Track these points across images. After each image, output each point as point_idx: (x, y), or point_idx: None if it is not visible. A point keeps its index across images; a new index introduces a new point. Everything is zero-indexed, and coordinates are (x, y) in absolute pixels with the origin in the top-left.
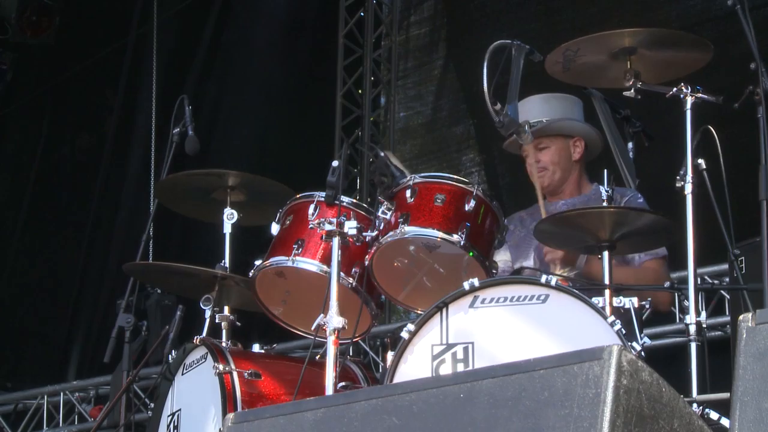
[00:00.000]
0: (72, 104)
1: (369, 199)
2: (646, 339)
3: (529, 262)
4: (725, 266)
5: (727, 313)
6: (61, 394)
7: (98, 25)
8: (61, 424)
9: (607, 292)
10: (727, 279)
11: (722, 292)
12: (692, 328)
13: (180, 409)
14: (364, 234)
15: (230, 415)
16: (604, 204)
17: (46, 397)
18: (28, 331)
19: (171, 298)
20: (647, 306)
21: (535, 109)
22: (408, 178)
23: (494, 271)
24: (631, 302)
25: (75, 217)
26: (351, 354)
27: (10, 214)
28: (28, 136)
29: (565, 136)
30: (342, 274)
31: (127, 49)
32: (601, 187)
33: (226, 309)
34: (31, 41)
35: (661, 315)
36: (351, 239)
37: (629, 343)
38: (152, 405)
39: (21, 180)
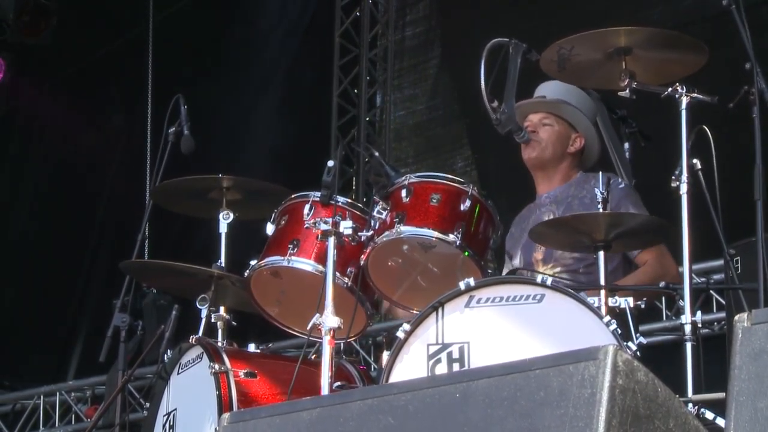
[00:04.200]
0: (73, 103)
1: (364, 199)
2: (641, 339)
3: (516, 261)
4: (715, 263)
5: (715, 310)
6: (58, 394)
7: (97, 24)
8: (57, 424)
9: (602, 291)
10: (717, 276)
11: (711, 291)
12: (687, 328)
13: (175, 409)
14: (359, 234)
15: (226, 415)
16: (599, 204)
17: (42, 397)
18: (28, 331)
19: (167, 297)
20: (643, 306)
21: (557, 88)
22: (403, 177)
23: (489, 271)
24: (626, 302)
25: (79, 217)
26: (342, 353)
27: (12, 215)
28: (29, 135)
29: (570, 125)
30: (337, 273)
31: (132, 47)
32: (596, 190)
33: (222, 309)
34: (29, 41)
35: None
36: (346, 239)
37: (625, 343)
38: (147, 405)
39: (23, 180)
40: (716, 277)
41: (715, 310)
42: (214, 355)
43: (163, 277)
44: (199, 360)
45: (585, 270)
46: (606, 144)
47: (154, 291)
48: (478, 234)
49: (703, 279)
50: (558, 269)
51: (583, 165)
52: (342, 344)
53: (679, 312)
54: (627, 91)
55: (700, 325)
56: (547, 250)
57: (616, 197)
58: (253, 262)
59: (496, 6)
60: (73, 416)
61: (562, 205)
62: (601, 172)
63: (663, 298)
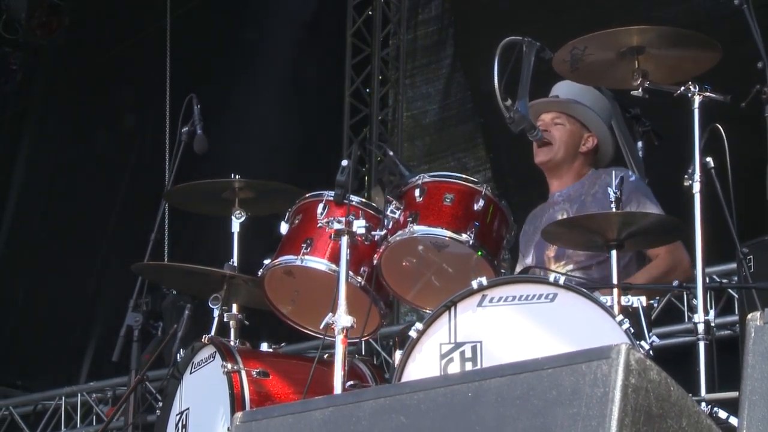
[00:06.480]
0: (87, 103)
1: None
2: (654, 338)
3: (529, 259)
4: (734, 265)
5: (736, 311)
6: (79, 395)
7: (108, 24)
8: (78, 425)
9: (615, 290)
10: (736, 277)
11: (731, 291)
12: (701, 327)
13: (188, 408)
14: (372, 233)
15: (238, 414)
16: (612, 204)
17: (63, 398)
18: (40, 331)
19: (186, 298)
20: (656, 304)
21: (571, 88)
22: (417, 177)
23: (503, 272)
24: (639, 301)
25: (92, 217)
26: (363, 354)
27: (25, 215)
28: (43, 135)
29: (583, 125)
30: (351, 273)
31: (144, 46)
32: (609, 189)
33: (235, 308)
34: (41, 41)
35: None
36: (360, 238)
37: (638, 342)
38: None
39: (37, 179)
40: (736, 278)
41: (736, 312)
42: (226, 355)
43: (175, 278)
44: (211, 359)
45: (598, 267)
46: (619, 143)
47: (174, 292)
48: (492, 234)
49: (725, 280)
50: (570, 266)
51: (596, 164)
52: (362, 343)
53: None
54: (640, 90)
55: (713, 325)
56: (560, 247)
57: (627, 190)
58: (266, 261)
59: (509, 5)
60: (94, 417)
61: (576, 203)
62: (614, 170)
63: (684, 300)
